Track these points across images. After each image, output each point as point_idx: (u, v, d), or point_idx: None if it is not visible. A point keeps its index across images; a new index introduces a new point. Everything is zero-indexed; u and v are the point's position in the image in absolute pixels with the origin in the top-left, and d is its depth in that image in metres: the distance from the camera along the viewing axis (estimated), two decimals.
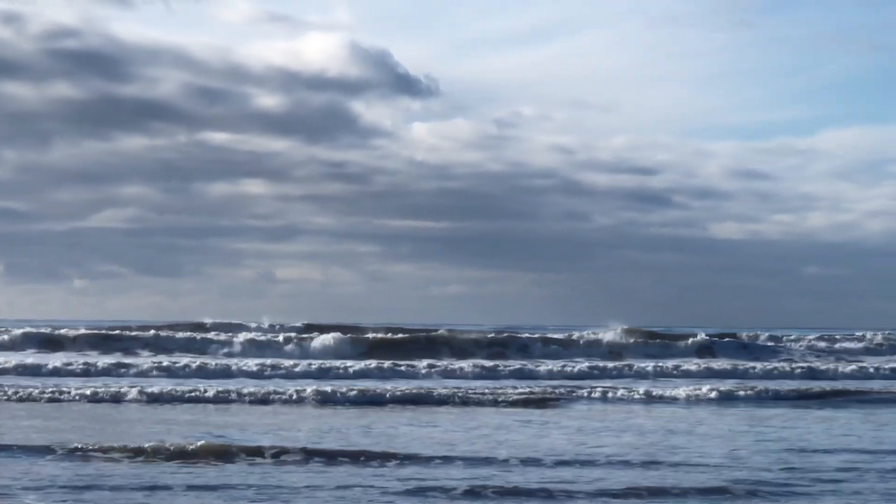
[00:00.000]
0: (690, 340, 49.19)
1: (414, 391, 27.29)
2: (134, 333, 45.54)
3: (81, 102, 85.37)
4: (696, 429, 21.32)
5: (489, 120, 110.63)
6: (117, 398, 25.45)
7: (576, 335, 49.18)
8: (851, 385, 33.31)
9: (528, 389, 28.95)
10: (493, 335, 48.91)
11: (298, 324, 51.15)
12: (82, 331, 45.88)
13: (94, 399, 25.22)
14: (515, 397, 26.79)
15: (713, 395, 28.42)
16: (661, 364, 38.91)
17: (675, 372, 37.26)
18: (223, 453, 16.37)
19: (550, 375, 35.27)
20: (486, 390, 28.30)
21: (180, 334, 45.78)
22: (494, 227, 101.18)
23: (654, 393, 28.43)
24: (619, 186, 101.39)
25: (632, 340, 48.56)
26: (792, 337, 53.80)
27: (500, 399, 26.47)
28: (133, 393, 25.68)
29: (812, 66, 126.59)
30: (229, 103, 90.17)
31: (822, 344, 52.03)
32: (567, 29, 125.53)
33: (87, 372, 32.72)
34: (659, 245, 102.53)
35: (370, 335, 47.05)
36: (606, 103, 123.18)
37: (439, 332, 49.96)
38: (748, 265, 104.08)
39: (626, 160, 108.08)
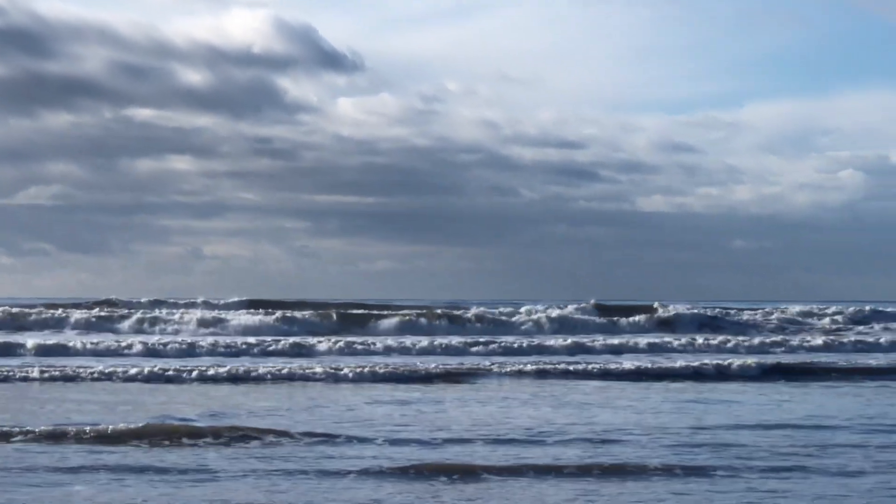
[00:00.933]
0: (634, 317, 49.20)
1: (330, 369, 26.67)
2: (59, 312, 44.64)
3: (6, 80, 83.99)
4: (610, 403, 21.09)
5: (415, 95, 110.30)
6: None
7: (503, 310, 48.99)
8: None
9: (443, 364, 28.52)
10: (419, 311, 48.50)
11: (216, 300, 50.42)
12: None
13: None
14: (428, 373, 26.48)
15: (631, 367, 28.22)
16: (584, 339, 38.94)
17: (603, 346, 37.23)
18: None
19: (468, 350, 34.81)
20: (404, 366, 27.80)
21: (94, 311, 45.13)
22: (421, 201, 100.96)
23: (583, 368, 28.12)
24: (545, 161, 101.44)
25: (556, 314, 48.40)
26: (733, 310, 53.59)
27: (412, 374, 26.21)
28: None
29: (738, 41, 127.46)
30: (155, 80, 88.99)
31: (772, 323, 51.09)
32: (491, 4, 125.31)
33: None
34: (586, 219, 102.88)
35: (292, 312, 46.37)
36: (532, 78, 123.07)
37: (367, 307, 49.48)
38: (675, 239, 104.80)
39: (552, 134, 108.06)
